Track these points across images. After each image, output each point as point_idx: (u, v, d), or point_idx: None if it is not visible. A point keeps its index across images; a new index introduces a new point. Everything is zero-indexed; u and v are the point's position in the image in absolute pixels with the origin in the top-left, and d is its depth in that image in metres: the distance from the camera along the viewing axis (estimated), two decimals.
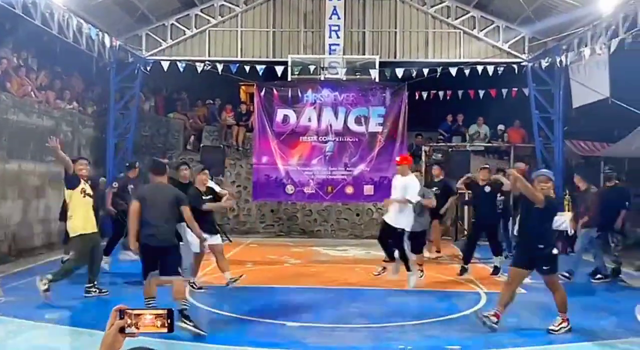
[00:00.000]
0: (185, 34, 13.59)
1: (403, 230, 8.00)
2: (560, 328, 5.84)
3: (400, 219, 7.92)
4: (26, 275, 8.37)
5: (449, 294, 7.87)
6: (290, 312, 6.75)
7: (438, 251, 10.72)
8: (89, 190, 7.33)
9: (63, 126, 11.98)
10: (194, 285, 7.59)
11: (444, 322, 6.41)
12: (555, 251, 5.89)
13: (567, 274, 8.89)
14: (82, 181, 7.25)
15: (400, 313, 6.78)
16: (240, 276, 7.57)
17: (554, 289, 6.01)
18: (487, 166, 9.88)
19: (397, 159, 8.93)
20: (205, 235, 6.88)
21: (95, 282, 7.28)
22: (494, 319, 5.86)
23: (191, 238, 7.11)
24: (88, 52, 11.91)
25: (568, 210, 11.82)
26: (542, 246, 5.81)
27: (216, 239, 7.59)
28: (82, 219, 7.15)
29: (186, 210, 6.20)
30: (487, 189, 9.10)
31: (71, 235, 7.28)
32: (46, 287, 6.66)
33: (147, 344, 1.72)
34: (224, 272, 7.56)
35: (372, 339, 5.77)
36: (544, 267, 5.87)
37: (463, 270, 8.98)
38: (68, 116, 12.26)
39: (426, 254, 10.03)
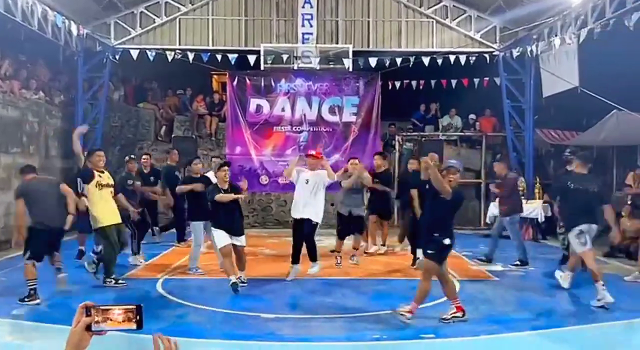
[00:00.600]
0: (154, 22, 13.30)
1: (317, 223, 7.89)
2: (453, 317, 5.85)
3: (309, 210, 7.79)
4: None
5: None
6: (265, 304, 6.72)
7: (375, 244, 10.24)
8: (105, 182, 7.43)
9: (29, 117, 11.65)
10: (242, 281, 7.34)
11: (419, 311, 6.43)
12: (447, 242, 5.81)
13: (518, 263, 9.02)
14: (97, 173, 7.36)
15: (375, 302, 6.79)
16: (237, 283, 7.21)
17: (441, 278, 5.95)
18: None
19: (313, 153, 8.70)
20: (222, 232, 7.24)
21: (113, 274, 7.45)
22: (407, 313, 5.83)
23: (216, 235, 7.29)
24: (54, 41, 11.57)
25: (539, 198, 12.03)
26: (437, 234, 5.82)
27: (240, 240, 7.42)
28: (100, 212, 7.34)
29: (64, 187, 6.88)
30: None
31: (94, 227, 7.49)
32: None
33: (117, 340, 1.65)
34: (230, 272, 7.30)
35: (347, 329, 5.77)
36: (428, 251, 5.86)
37: (415, 261, 8.66)
38: (34, 106, 11.91)
39: (371, 249, 10.07)
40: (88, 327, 1.61)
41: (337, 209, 9.30)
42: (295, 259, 7.94)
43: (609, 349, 5.32)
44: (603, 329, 5.87)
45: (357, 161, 9.36)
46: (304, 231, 7.82)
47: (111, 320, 1.61)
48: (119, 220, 7.53)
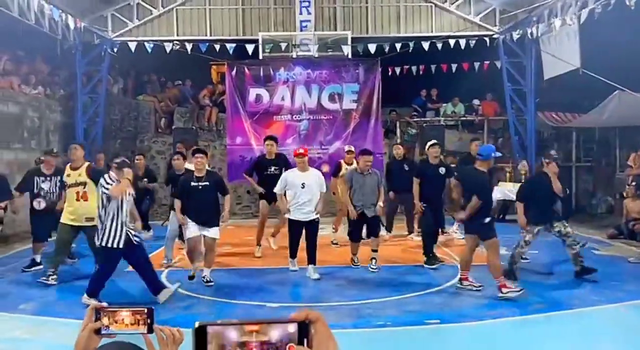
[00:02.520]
0: (152, 14, 13.23)
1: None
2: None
3: (312, 211, 7.51)
4: None
5: (427, 269, 7.92)
6: (270, 293, 6.75)
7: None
8: (71, 181, 7.13)
9: (29, 112, 11.65)
10: (208, 281, 7.10)
11: (423, 296, 6.48)
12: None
13: None
14: (66, 173, 7.23)
15: (379, 289, 6.82)
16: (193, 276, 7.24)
17: None
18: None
19: (301, 151, 7.74)
20: (192, 222, 7.03)
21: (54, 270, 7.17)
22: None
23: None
24: (52, 35, 11.53)
25: None
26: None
27: (211, 232, 7.05)
28: (66, 209, 7.23)
29: None
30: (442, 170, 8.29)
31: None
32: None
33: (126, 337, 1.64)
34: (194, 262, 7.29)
35: (352, 316, 5.79)
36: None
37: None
38: (34, 102, 11.91)
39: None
40: (97, 330, 1.59)
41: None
42: (295, 254, 7.76)
43: (614, 331, 5.33)
44: (608, 310, 5.88)
45: (370, 158, 8.13)
46: (310, 232, 7.54)
47: (121, 322, 1.60)
48: (77, 223, 7.14)
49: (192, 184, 7.09)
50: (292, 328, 1.12)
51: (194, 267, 7.21)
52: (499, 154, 7.12)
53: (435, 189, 8.23)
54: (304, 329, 1.12)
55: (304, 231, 7.61)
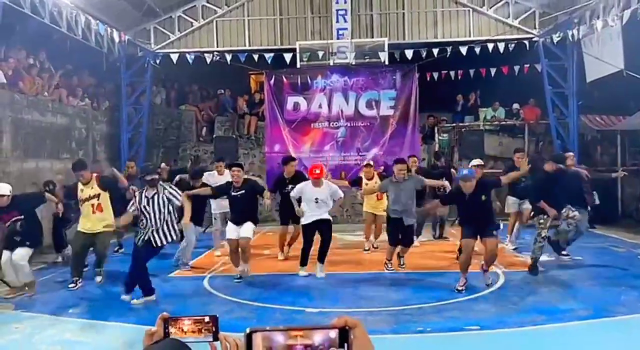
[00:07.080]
0: (192, 26, 13.60)
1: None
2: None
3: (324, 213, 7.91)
4: (47, 272, 8.54)
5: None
6: (309, 298, 6.82)
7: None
8: (84, 196, 7.35)
9: (77, 123, 12.12)
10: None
11: (463, 303, 6.43)
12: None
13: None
14: (79, 189, 7.43)
15: (418, 295, 6.80)
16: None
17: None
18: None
19: (317, 171, 7.87)
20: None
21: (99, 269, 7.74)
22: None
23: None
24: (98, 48, 12.00)
25: None
26: None
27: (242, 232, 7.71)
28: (82, 221, 7.57)
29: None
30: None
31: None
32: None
33: None
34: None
35: (391, 322, 5.79)
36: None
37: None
38: (81, 113, 12.39)
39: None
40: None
41: (388, 212, 8.17)
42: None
43: None
44: None
45: (403, 167, 8.08)
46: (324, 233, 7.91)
47: (187, 331, 1.67)
48: (93, 231, 7.38)
49: (232, 193, 7.80)
50: (333, 334, 1.18)
51: (239, 271, 7.78)
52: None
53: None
54: (344, 335, 1.18)
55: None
